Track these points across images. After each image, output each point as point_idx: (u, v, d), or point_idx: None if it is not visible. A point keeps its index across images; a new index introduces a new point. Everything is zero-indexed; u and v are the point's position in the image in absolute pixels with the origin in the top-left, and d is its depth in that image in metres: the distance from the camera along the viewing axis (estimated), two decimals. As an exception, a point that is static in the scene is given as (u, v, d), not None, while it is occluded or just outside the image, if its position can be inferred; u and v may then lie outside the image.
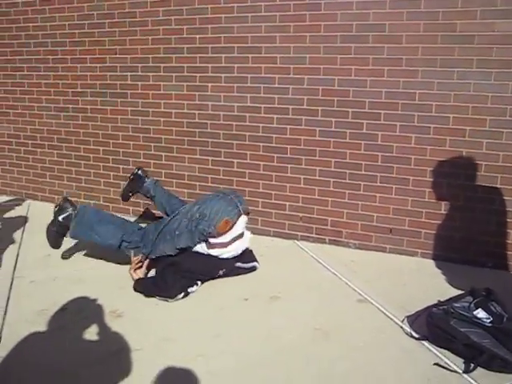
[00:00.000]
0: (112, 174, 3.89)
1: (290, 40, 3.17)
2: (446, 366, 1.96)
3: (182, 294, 2.51)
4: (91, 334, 2.18)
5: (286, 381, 1.90)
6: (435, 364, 1.97)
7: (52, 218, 2.85)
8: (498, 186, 2.89)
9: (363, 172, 3.15)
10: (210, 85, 3.44)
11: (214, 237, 2.64)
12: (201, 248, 2.70)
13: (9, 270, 2.83)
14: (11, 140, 4.23)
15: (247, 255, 2.87)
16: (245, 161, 3.44)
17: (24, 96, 4.09)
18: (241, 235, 2.76)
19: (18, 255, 3.05)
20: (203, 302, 2.50)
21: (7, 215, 3.84)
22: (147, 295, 2.53)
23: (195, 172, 3.61)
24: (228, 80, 3.37)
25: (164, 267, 2.65)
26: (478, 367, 1.93)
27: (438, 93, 2.91)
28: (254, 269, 2.85)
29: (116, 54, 3.67)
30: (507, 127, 2.82)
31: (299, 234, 3.39)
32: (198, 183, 3.61)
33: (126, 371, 1.91)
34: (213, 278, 2.71)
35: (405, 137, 3.02)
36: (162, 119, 3.63)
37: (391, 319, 2.33)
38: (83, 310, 2.39)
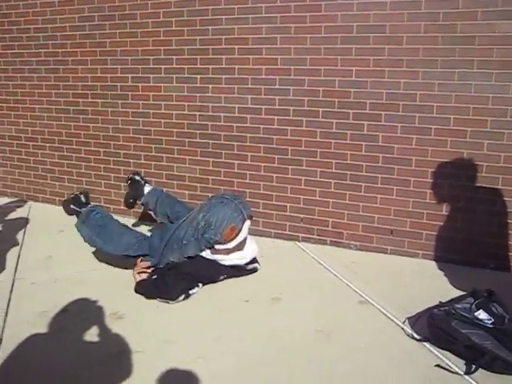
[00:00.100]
0: (113, 175, 3.89)
1: (290, 41, 3.17)
2: (447, 367, 1.96)
3: (183, 296, 2.50)
4: (92, 335, 2.18)
5: (287, 382, 1.89)
6: (436, 365, 1.96)
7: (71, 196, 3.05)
8: (500, 187, 2.88)
9: (364, 173, 3.15)
10: (210, 86, 3.43)
11: (221, 243, 2.63)
12: (204, 253, 2.68)
13: (10, 271, 2.83)
14: (12, 142, 4.24)
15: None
16: (245, 162, 3.44)
17: (25, 98, 4.09)
18: (244, 242, 2.73)
19: (19, 257, 3.05)
20: (204, 304, 2.49)
21: (8, 217, 3.83)
22: (148, 297, 2.52)
23: (196, 173, 3.61)
24: (229, 81, 3.37)
25: (165, 269, 2.64)
26: (480, 369, 1.92)
27: (439, 94, 2.91)
28: (255, 270, 2.85)
29: (117, 55, 3.68)
30: (508, 128, 2.82)
31: (300, 235, 3.38)
32: (198, 185, 3.61)
33: (127, 373, 1.91)
34: (214, 282, 2.71)
35: (406, 138, 3.02)
36: (162, 121, 3.63)
37: (392, 320, 2.33)
38: (84, 312, 2.38)
